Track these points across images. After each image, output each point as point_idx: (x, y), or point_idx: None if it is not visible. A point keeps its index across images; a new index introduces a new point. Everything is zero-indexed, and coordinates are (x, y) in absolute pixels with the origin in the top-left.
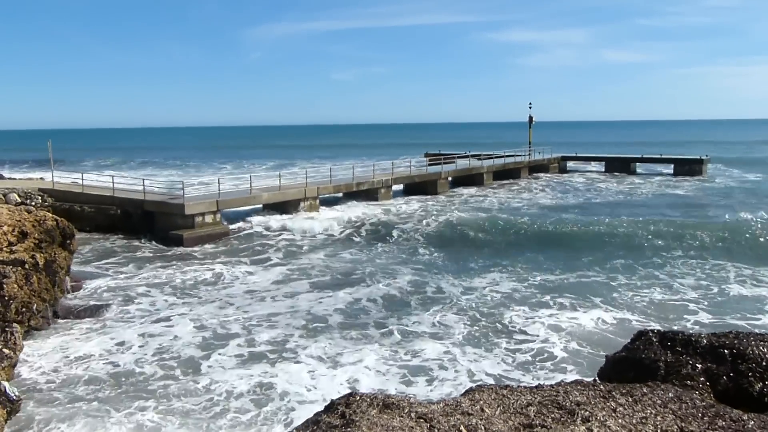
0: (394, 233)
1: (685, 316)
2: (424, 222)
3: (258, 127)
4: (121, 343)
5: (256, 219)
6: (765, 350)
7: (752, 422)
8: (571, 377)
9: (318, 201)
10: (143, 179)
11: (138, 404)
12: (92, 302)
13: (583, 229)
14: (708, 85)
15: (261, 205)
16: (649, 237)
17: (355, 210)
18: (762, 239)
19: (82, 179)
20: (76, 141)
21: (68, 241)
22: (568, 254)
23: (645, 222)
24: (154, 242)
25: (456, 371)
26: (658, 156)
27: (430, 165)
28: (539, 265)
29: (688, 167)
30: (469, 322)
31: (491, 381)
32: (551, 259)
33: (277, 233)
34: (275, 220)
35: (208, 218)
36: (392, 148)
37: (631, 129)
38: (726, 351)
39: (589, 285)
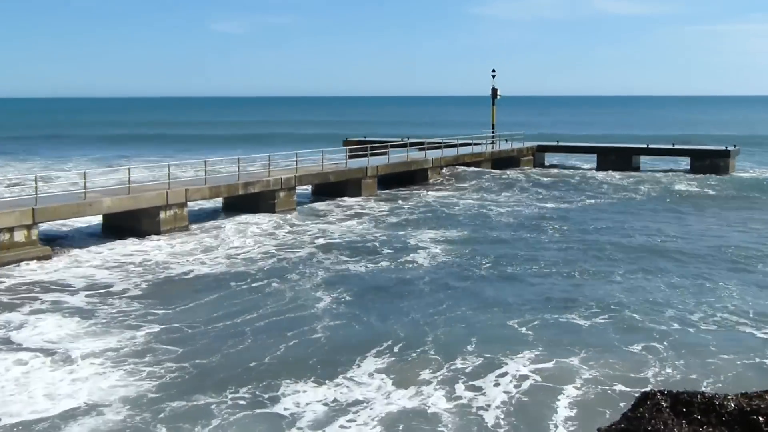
0: None
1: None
2: None
3: (103, 99)
4: None
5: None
6: None
7: None
8: None
9: (186, 210)
10: None
11: None
12: None
13: None
14: (735, 50)
15: (100, 216)
16: None
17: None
18: None
19: None
20: None
21: None
22: None
23: None
24: None
25: None
26: (670, 146)
27: (351, 157)
28: None
29: (709, 162)
30: None
31: None
32: None
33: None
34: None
35: (19, 236)
36: (303, 140)
37: (631, 106)
38: (762, 418)
39: None
